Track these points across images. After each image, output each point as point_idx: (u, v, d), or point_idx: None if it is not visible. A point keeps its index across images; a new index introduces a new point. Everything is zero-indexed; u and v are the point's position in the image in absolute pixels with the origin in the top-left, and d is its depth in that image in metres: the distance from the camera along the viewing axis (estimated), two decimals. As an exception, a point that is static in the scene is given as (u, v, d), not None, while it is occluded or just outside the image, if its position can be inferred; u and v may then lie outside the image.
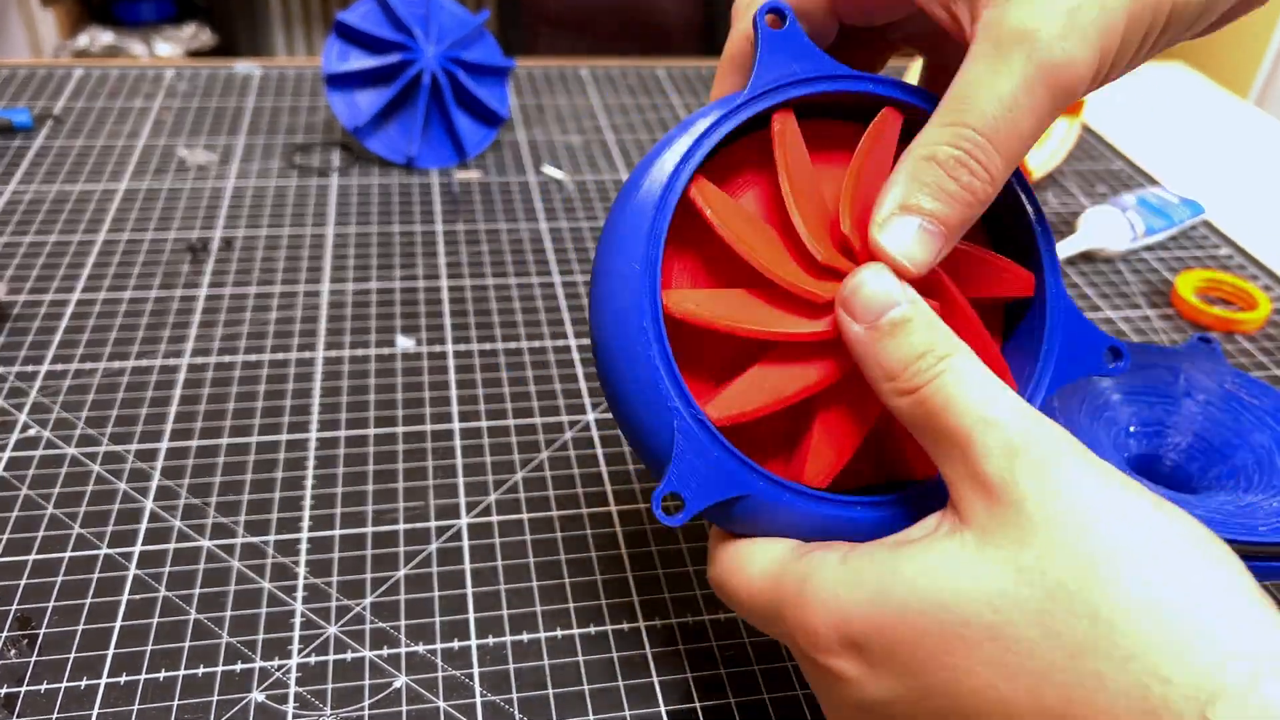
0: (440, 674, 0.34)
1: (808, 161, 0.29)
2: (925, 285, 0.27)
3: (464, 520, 0.40)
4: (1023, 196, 0.30)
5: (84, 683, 0.33)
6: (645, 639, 0.36)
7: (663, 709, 0.33)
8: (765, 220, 0.29)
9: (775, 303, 0.28)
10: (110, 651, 0.34)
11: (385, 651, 0.35)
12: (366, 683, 0.33)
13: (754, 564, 0.27)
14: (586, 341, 0.50)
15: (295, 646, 0.34)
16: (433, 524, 0.40)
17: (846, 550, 0.25)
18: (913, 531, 0.25)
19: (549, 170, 0.67)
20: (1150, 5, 0.24)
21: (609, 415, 0.45)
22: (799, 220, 0.28)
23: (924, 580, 0.23)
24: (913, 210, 0.26)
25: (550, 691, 0.34)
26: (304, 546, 0.38)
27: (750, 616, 0.28)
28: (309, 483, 0.41)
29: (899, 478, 0.30)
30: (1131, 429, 0.40)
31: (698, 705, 0.34)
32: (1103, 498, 0.22)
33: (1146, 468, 0.40)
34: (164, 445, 0.42)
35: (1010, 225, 0.31)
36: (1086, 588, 0.21)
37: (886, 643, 0.23)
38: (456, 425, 0.45)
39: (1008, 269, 0.30)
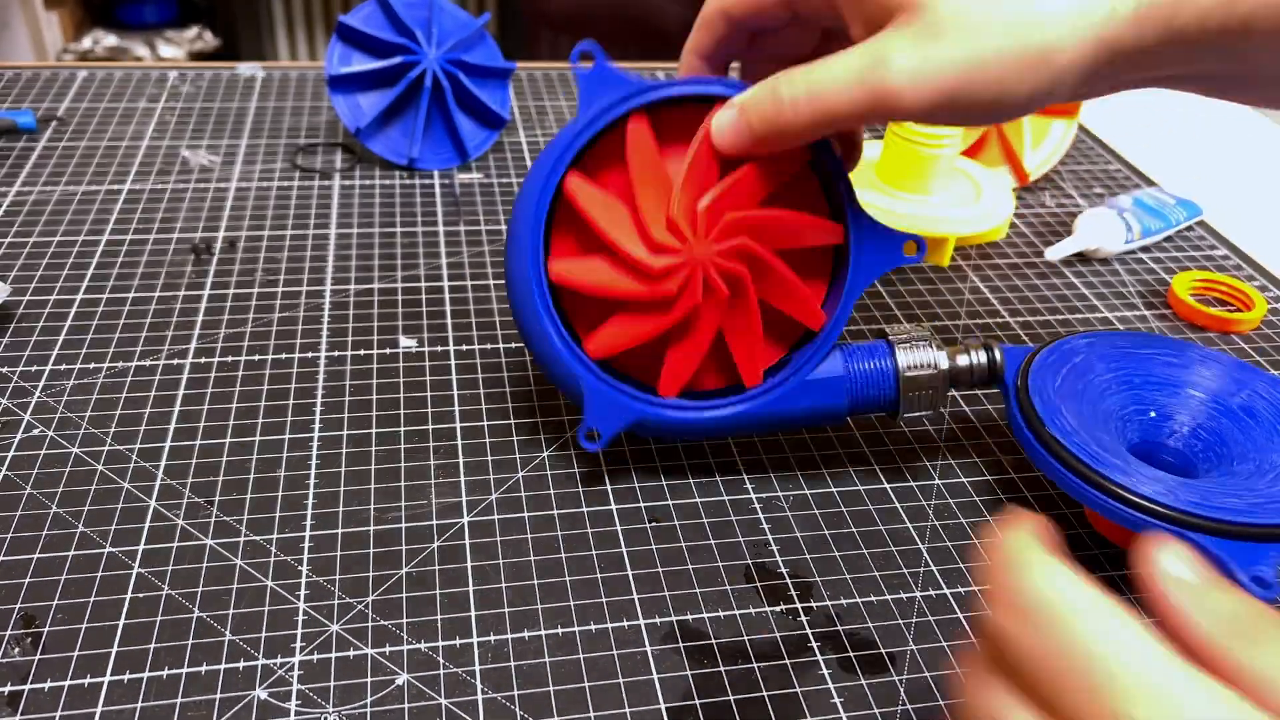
0: (442, 671, 0.34)
1: (655, 155, 0.37)
2: (732, 283, 0.37)
3: (465, 519, 0.40)
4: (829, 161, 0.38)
5: (87, 680, 0.33)
6: (645, 637, 0.36)
7: (662, 706, 0.34)
8: (624, 202, 0.37)
9: (625, 271, 0.37)
10: (113, 649, 0.34)
11: (387, 649, 0.35)
12: (368, 680, 0.34)
13: None
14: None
15: (298, 644, 0.35)
16: (434, 522, 0.40)
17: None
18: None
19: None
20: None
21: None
22: (643, 207, 0.36)
23: None
24: (735, 106, 0.35)
25: (551, 689, 0.34)
26: (306, 545, 0.39)
27: None
28: (312, 481, 0.41)
29: (737, 381, 0.40)
30: (1132, 412, 0.41)
31: (697, 703, 0.34)
32: None
33: (1146, 454, 0.40)
34: (167, 445, 0.43)
35: (834, 191, 0.39)
36: None
37: None
38: (458, 425, 0.45)
39: (821, 225, 0.38)
